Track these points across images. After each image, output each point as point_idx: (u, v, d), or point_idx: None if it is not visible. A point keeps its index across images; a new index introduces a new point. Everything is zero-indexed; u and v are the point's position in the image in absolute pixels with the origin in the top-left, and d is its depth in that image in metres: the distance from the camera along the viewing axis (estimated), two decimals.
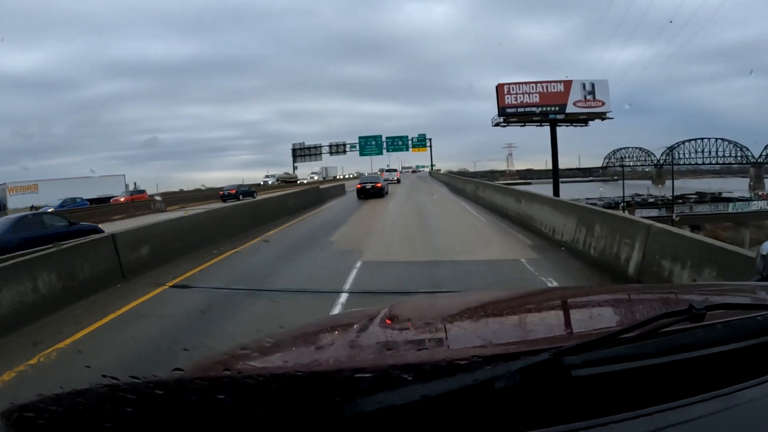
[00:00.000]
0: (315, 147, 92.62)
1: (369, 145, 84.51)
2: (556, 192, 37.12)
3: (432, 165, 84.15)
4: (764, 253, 1.19)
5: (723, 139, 63.63)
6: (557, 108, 43.69)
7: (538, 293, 1.68)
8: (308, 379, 0.59)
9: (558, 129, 44.76)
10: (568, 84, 43.87)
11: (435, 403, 0.58)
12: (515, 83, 44.36)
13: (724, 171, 64.32)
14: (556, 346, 0.65)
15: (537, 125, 45.41)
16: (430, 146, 79.43)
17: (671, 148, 66.55)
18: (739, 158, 62.19)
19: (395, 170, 55.01)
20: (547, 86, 44.04)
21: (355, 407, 0.57)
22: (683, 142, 65.99)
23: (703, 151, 65.05)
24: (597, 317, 1.07)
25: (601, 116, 44.13)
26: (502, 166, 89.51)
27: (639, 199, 44.53)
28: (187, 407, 0.57)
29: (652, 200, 44.44)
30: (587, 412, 0.58)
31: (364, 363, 0.69)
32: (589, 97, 43.78)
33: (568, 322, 1.02)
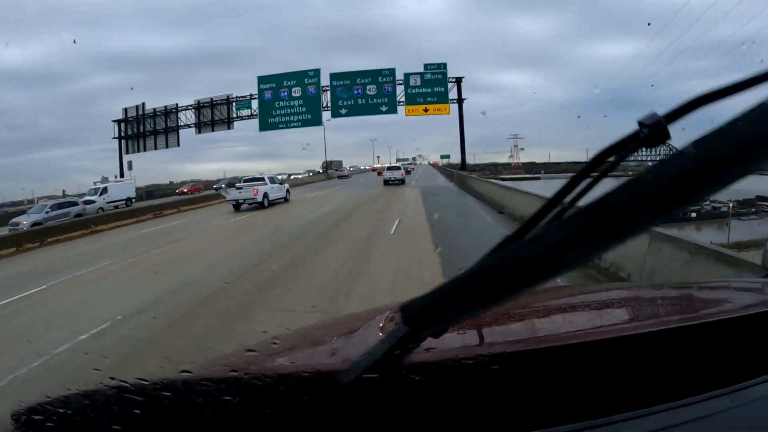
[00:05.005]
0: (166, 112, 33.13)
1: (283, 100, 27.41)
2: None
3: (462, 153, 32.91)
4: None
5: None
6: None
7: (544, 292, 1.59)
8: (315, 380, 0.59)
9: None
10: None
11: (443, 402, 0.58)
12: None
13: None
14: (561, 343, 0.67)
15: None
16: (460, 99, 27.37)
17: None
18: None
19: None
20: None
21: (363, 408, 0.57)
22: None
23: None
24: (602, 315, 1.06)
25: None
26: (503, 158, 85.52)
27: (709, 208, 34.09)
28: (195, 409, 0.57)
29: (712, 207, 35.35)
30: (594, 411, 0.58)
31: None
32: None
33: (574, 320, 1.02)
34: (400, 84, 29.41)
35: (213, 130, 37.68)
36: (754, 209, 34.91)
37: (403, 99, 29.34)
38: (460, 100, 29.31)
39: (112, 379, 0.60)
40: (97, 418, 0.58)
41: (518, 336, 0.90)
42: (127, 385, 0.59)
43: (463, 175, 26.77)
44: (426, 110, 28.61)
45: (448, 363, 0.60)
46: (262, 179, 20.02)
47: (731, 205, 34.76)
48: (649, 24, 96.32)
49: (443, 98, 28.78)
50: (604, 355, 0.64)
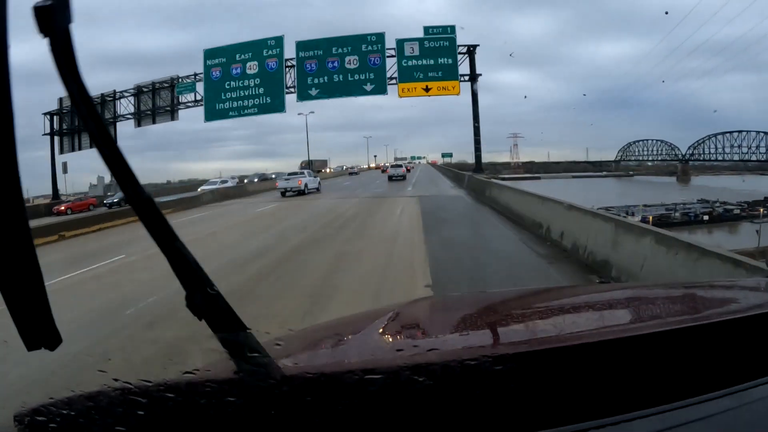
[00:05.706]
0: (102, 100, 21.20)
1: (235, 80, 15.86)
2: None
3: (476, 149, 24.58)
4: None
5: (766, 133, 56.75)
6: None
7: (547, 292, 1.64)
8: (318, 381, 0.60)
9: None
10: None
11: (446, 404, 0.59)
12: None
13: (740, 167, 60.05)
14: (565, 344, 0.68)
15: None
16: (473, 75, 18.25)
17: (701, 141, 62.72)
18: None
19: None
20: None
21: (365, 409, 0.58)
22: (714, 135, 61.54)
23: (740, 146, 59.00)
24: (606, 315, 1.06)
25: None
26: (502, 157, 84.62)
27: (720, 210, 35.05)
28: (198, 410, 0.58)
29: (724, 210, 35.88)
30: (598, 411, 0.59)
31: (374, 364, 0.68)
32: None
33: (577, 321, 1.02)
34: (392, 56, 21.92)
35: (154, 122, 29.98)
36: (766, 211, 33.33)
37: (395, 75, 21.70)
38: (473, 77, 21.66)
39: (116, 380, 0.61)
40: (100, 419, 0.59)
41: (522, 337, 0.91)
42: (131, 386, 0.59)
43: (481, 181, 18.28)
44: (427, 89, 20.90)
45: (451, 364, 0.60)
46: (302, 173, 25.35)
47: (762, 210, 33.06)
48: (666, 13, 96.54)
49: (451, 73, 20.97)
50: (608, 355, 0.65)
